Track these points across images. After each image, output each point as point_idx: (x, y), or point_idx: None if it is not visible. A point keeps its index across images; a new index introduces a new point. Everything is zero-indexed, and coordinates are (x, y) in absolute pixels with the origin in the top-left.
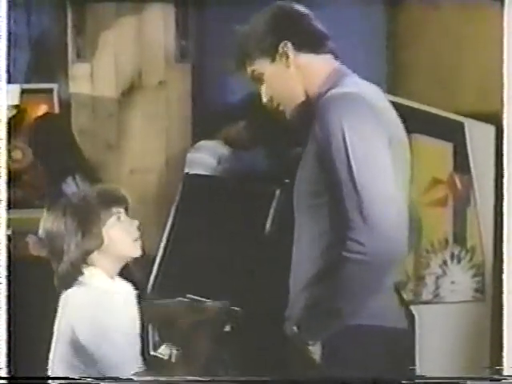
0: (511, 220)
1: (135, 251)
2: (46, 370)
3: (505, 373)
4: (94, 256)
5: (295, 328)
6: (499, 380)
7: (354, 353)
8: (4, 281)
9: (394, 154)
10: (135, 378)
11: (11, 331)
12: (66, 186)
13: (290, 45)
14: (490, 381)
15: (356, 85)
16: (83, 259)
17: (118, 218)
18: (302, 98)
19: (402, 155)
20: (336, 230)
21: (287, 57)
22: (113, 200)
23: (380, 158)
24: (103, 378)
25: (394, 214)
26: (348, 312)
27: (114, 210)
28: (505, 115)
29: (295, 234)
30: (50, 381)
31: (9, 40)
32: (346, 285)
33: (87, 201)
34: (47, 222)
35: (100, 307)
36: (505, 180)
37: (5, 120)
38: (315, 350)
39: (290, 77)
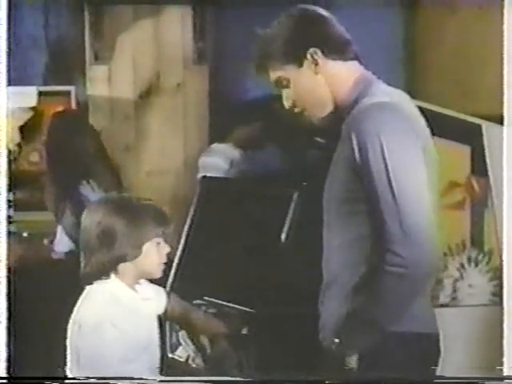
0: (511, 219)
1: (157, 273)
2: (46, 369)
3: (505, 373)
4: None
5: (337, 340)
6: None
7: (386, 358)
8: (4, 281)
9: (426, 162)
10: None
11: (11, 331)
12: (83, 188)
13: (319, 52)
14: (505, 380)
15: (386, 93)
16: (112, 265)
17: (159, 240)
18: (330, 105)
19: (431, 162)
20: (374, 240)
21: (316, 64)
22: (163, 221)
23: (417, 169)
24: (104, 378)
25: (431, 225)
26: (386, 323)
27: (160, 230)
28: (505, 115)
29: (325, 240)
30: (49, 381)
31: (9, 42)
32: (385, 296)
33: (141, 211)
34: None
35: (110, 314)
36: (504, 181)
37: (4, 121)
38: (351, 360)
39: (318, 83)
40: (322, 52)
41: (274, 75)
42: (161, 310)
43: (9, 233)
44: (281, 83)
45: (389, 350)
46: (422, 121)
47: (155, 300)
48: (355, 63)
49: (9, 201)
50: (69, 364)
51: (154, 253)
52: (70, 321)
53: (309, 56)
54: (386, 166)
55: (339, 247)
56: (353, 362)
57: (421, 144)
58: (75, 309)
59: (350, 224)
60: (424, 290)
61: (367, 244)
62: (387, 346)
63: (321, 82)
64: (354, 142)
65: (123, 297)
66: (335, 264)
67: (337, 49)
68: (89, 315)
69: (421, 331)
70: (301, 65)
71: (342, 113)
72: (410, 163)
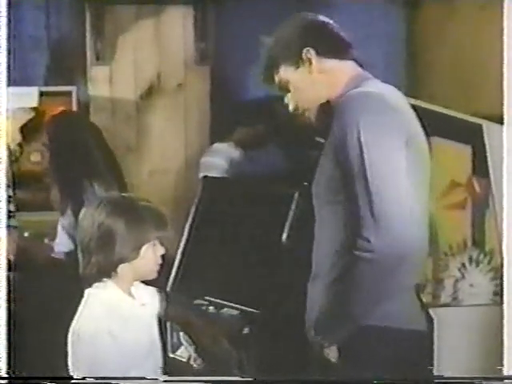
0: (511, 219)
1: (153, 275)
2: (46, 370)
3: (505, 373)
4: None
5: (312, 331)
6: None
7: (370, 354)
8: (4, 281)
9: (411, 155)
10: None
11: (11, 331)
12: (85, 188)
13: (312, 51)
14: (505, 380)
15: (376, 86)
16: (113, 266)
17: (156, 242)
18: (324, 101)
19: (419, 157)
20: (350, 228)
21: (310, 62)
22: (162, 224)
23: (394, 157)
24: (104, 378)
25: (405, 213)
26: (361, 313)
27: (160, 233)
28: (505, 115)
29: (315, 233)
30: (49, 381)
31: (9, 42)
32: (358, 285)
33: (141, 213)
34: (88, 218)
35: (108, 324)
36: (504, 181)
37: (5, 122)
38: (331, 352)
39: (313, 82)
40: (317, 51)
41: (277, 79)
42: (159, 312)
43: (10, 232)
44: (283, 87)
45: (371, 345)
46: (412, 116)
47: (152, 303)
48: (352, 63)
49: (9, 196)
50: (72, 373)
51: (150, 254)
52: (70, 330)
53: (303, 56)
54: (360, 150)
55: (325, 238)
56: (333, 353)
57: (404, 136)
58: (75, 318)
59: (333, 215)
60: (398, 279)
61: (345, 235)
62: (370, 341)
63: (316, 81)
64: (335, 128)
65: (121, 305)
66: (320, 257)
67: (333, 49)
68: (86, 326)
69: (404, 327)
70: (298, 66)
71: (331, 106)
72: (388, 151)
